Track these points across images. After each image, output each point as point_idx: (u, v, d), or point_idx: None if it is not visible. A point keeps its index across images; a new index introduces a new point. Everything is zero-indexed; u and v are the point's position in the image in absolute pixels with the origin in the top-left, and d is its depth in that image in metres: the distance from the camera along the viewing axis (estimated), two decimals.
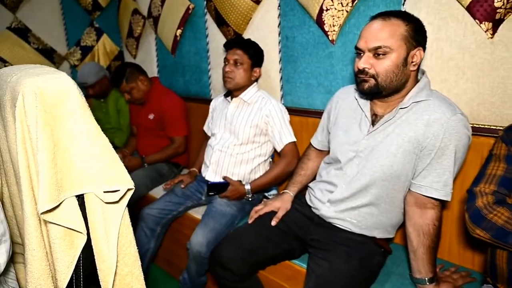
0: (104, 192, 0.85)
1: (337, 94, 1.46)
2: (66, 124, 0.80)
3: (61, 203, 0.80)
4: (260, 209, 1.52)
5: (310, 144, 1.62)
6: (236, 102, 1.89)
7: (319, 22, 1.65)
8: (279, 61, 1.96)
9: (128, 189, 0.90)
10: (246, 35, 2.05)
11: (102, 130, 0.86)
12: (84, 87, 2.55)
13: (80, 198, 0.85)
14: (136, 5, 2.80)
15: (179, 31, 2.47)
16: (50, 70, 0.89)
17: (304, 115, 1.88)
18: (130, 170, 2.26)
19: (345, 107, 1.39)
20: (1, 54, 2.61)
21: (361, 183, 1.26)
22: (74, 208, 0.82)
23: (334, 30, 1.62)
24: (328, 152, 1.57)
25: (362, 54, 1.17)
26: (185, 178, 1.98)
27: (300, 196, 1.56)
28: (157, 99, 2.35)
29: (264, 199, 2.01)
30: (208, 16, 2.29)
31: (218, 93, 2.41)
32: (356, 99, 1.33)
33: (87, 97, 2.76)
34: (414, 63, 1.14)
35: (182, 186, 1.93)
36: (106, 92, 2.69)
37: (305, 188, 1.59)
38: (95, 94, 2.62)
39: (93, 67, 2.61)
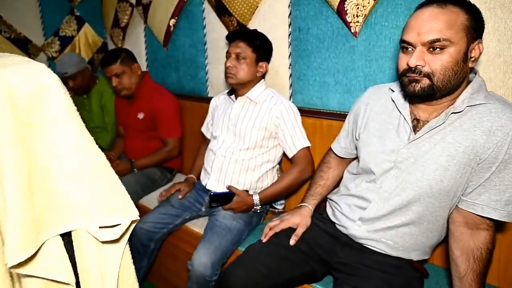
0: (100, 227, 0.63)
1: (366, 95, 1.26)
2: (46, 136, 0.57)
3: (40, 246, 0.57)
4: (276, 225, 1.32)
5: (331, 150, 1.43)
6: (241, 101, 1.67)
7: (340, 12, 1.46)
8: (289, 56, 1.75)
9: (132, 221, 0.68)
10: (251, 26, 1.83)
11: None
12: (63, 79, 2.28)
13: (67, 237, 0.63)
14: None
15: (172, 21, 2.22)
16: (23, 60, 0.65)
17: (317, 116, 1.68)
18: (118, 176, 2.01)
19: (378, 109, 1.19)
20: None
21: (402, 199, 1.08)
22: (58, 251, 0.60)
23: (357, 21, 1.43)
24: (351, 160, 1.38)
25: (410, 49, 0.98)
26: (182, 187, 1.75)
27: (320, 210, 1.37)
28: (148, 96, 2.10)
29: (275, 212, 1.81)
30: (206, 5, 2.06)
31: (216, 90, 2.18)
32: (393, 101, 1.14)
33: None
34: (473, 59, 0.96)
35: (180, 197, 1.70)
36: (88, 87, 2.43)
37: (324, 200, 1.40)
38: (76, 87, 2.35)
39: (74, 56, 2.36)
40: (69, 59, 2.31)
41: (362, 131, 1.23)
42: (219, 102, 1.81)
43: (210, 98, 2.14)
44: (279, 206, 1.81)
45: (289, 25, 1.72)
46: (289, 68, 1.77)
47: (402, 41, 0.99)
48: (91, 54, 2.85)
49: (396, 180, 1.09)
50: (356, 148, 1.28)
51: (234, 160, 1.62)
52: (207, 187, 1.67)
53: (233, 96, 1.70)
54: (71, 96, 0.64)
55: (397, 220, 1.10)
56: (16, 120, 0.50)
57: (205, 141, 1.93)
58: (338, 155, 1.39)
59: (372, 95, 1.24)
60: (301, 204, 1.37)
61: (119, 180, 0.65)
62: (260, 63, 1.63)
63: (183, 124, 2.25)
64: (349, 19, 1.45)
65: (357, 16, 1.42)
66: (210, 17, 2.06)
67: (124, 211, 0.63)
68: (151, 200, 2.02)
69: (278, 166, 1.73)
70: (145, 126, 2.13)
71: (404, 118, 1.10)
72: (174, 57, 2.36)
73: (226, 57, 1.63)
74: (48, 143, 0.56)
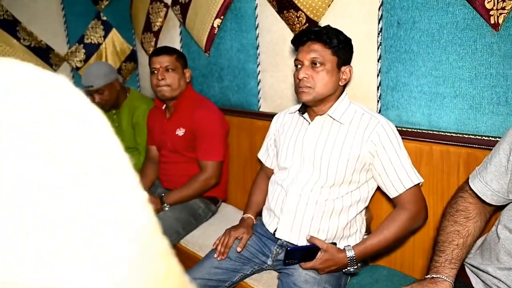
0: None
1: None
2: None
3: None
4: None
5: (468, 192, 0.99)
6: (319, 122, 1.26)
7: None
8: (378, 60, 1.34)
9: None
10: (324, 23, 1.43)
11: None
12: (89, 93, 1.96)
13: None
14: None
15: (217, 21, 1.85)
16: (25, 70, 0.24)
17: (422, 139, 1.25)
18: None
19: None
20: None
21: None
22: None
23: (502, 9, 1.00)
24: (500, 207, 0.94)
25: None
26: (240, 234, 1.33)
27: (461, 280, 0.94)
28: (189, 109, 1.72)
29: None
30: (260, 0, 1.67)
31: (270, 104, 1.78)
32: None
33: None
34: None
35: (239, 249, 1.29)
36: (117, 101, 2.08)
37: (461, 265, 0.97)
38: (103, 102, 2.00)
39: (103, 67, 2.02)
40: (97, 69, 1.98)
41: None
42: (285, 121, 1.40)
43: (263, 114, 1.76)
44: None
45: (380, 18, 1.30)
46: (377, 75, 1.35)
47: None
48: (119, 64, 2.52)
49: None
50: None
51: (313, 201, 1.21)
52: (277, 235, 1.26)
53: (306, 115, 1.29)
54: None
55: None
56: None
57: (264, 171, 1.52)
58: (485, 200, 0.95)
59: None
60: (436, 276, 0.93)
61: None
62: (343, 68, 1.21)
63: (228, 145, 1.86)
64: (488, 6, 1.01)
65: (502, 1, 0.99)
66: (266, 14, 1.67)
67: None
68: (195, 241, 1.63)
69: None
70: (184, 145, 1.74)
71: None
72: (218, 65, 1.98)
73: (295, 66, 1.24)
74: None
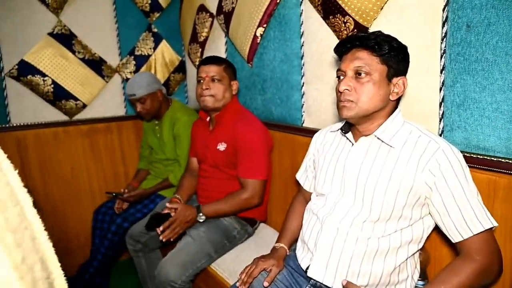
0: None
1: None
2: None
3: None
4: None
5: None
6: (365, 143, 1.07)
7: None
8: (441, 70, 1.11)
9: None
10: (374, 29, 1.23)
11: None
12: (131, 102, 2.03)
13: None
14: (203, 0, 2.14)
15: (260, 30, 1.73)
16: None
17: (498, 170, 1.00)
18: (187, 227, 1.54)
19: None
20: (40, 66, 2.10)
21: None
22: None
23: None
24: None
25: None
26: (269, 265, 1.18)
27: None
28: (231, 122, 1.62)
29: None
30: (306, 6, 1.52)
31: (314, 119, 1.61)
32: None
33: (137, 115, 2.22)
34: None
35: (266, 284, 1.14)
36: (159, 111, 2.07)
37: None
38: (145, 111, 2.00)
39: (146, 77, 2.03)
40: (141, 79, 2.00)
41: None
42: (326, 140, 1.23)
43: (306, 130, 1.60)
44: None
45: (444, 21, 1.08)
46: (440, 89, 1.12)
47: None
48: (167, 74, 2.53)
49: None
50: None
51: (353, 238, 1.02)
52: (309, 274, 1.08)
53: (350, 135, 1.11)
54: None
55: None
56: None
57: (302, 194, 1.36)
58: None
59: None
60: None
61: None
62: (395, 80, 1.01)
63: (271, 163, 1.72)
64: None
65: None
66: (311, 21, 1.52)
67: None
68: (226, 266, 1.51)
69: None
70: (225, 161, 1.64)
71: None
72: (260, 76, 1.86)
73: (337, 77, 1.06)
74: None
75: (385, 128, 1.03)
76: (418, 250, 1.04)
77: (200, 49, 2.26)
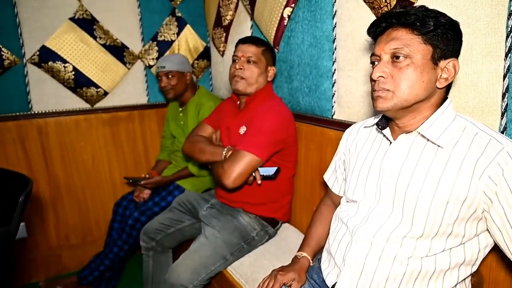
0: None
1: None
2: None
3: None
4: None
5: None
6: (406, 142, 0.89)
7: None
8: (507, 54, 0.90)
9: None
10: (421, 3, 1.03)
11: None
12: (158, 77, 2.00)
13: None
14: None
15: (287, 11, 1.56)
16: None
17: None
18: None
19: None
20: (61, 52, 2.04)
21: None
22: None
23: None
24: None
25: None
26: (289, 279, 1.03)
27: None
28: (257, 108, 1.48)
29: None
30: None
31: (347, 110, 1.43)
32: None
33: (162, 96, 2.16)
34: None
35: None
36: (183, 95, 2.01)
37: None
38: (169, 87, 1.94)
39: (180, 56, 2.08)
40: (174, 56, 2.04)
41: None
42: (359, 138, 1.05)
43: (337, 122, 1.43)
44: None
45: None
46: (504, 77, 0.91)
47: None
48: (191, 61, 2.41)
49: None
50: None
51: (390, 255, 0.85)
52: None
53: (387, 131, 0.93)
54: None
55: None
56: None
57: (330, 197, 1.20)
58: None
59: None
60: None
61: None
62: (443, 63, 0.82)
63: (296, 159, 1.56)
64: None
65: None
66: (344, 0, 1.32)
67: None
68: (243, 270, 1.39)
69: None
70: None
71: None
72: (287, 62, 1.69)
73: (371, 63, 0.88)
74: None
75: (432, 123, 0.84)
76: (470, 274, 0.85)
77: (224, 34, 2.11)
